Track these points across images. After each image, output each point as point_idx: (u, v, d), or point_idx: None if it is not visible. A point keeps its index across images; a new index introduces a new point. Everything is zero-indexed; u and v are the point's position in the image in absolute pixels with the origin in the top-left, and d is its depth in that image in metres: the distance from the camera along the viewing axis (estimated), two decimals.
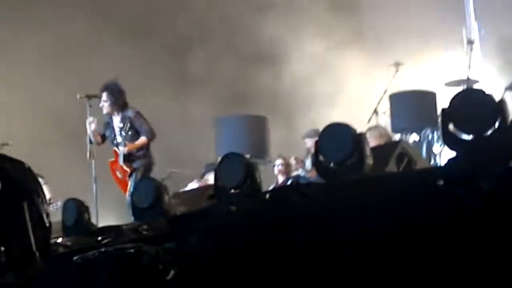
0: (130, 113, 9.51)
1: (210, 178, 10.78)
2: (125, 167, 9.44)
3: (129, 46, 13.22)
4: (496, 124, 4.53)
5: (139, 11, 13.77)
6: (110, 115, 9.62)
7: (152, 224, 6.47)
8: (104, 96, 9.55)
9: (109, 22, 13.36)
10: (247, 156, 6.92)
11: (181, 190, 10.17)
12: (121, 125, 9.48)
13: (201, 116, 12.80)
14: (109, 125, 9.65)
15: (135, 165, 9.46)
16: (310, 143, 11.14)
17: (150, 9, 13.91)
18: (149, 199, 6.55)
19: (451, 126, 4.79)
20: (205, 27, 14.25)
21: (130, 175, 9.40)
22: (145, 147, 9.50)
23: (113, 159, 9.66)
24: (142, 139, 9.43)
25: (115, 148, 9.61)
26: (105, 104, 9.57)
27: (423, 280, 4.40)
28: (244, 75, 13.89)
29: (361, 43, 14.04)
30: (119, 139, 9.53)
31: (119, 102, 9.52)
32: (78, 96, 10.02)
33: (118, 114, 9.54)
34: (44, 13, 13.06)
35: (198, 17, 14.17)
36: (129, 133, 9.45)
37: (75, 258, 6.55)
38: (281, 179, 10.84)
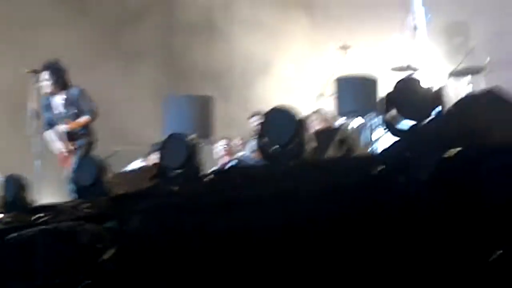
0: (75, 91, 9.41)
1: (154, 158, 10.78)
2: (69, 145, 9.36)
3: (74, 22, 13.06)
4: (436, 111, 4.59)
5: None
6: (50, 95, 9.46)
7: (93, 203, 6.44)
8: (46, 75, 9.39)
9: None
10: (193, 136, 6.90)
11: (124, 169, 10.14)
12: (64, 103, 9.36)
13: (148, 94, 12.74)
14: (47, 107, 9.47)
15: (78, 143, 9.38)
16: (255, 122, 11.17)
17: None
18: (91, 178, 6.52)
19: (393, 112, 4.84)
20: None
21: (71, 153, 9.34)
22: (88, 125, 9.42)
23: None
24: (85, 118, 9.34)
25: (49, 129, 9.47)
26: (47, 83, 9.41)
27: (360, 265, 4.45)
28: (189, 50, 13.84)
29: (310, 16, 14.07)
30: (59, 118, 9.40)
31: (61, 81, 9.39)
32: (25, 70, 9.86)
33: (61, 93, 9.42)
34: None
35: None
36: (72, 111, 9.35)
37: (11, 235, 6.50)
38: (224, 159, 10.86)
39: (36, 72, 9.77)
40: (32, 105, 9.76)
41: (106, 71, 11.46)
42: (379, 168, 4.49)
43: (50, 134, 9.50)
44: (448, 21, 13.19)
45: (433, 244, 4.12)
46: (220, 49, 14.05)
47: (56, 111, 9.42)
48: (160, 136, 10.14)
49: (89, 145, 9.40)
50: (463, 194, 3.99)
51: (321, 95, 11.80)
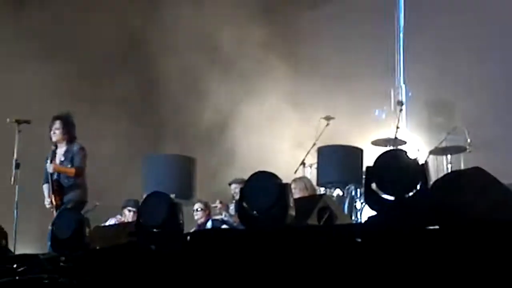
0: (76, 146, 9.56)
1: (128, 214, 10.80)
2: (54, 199, 9.40)
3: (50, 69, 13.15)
4: (417, 187, 4.65)
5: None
6: (56, 144, 9.62)
7: (70, 256, 6.42)
8: (57, 124, 9.61)
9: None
10: (172, 196, 6.92)
11: (102, 224, 10.13)
12: (63, 157, 9.50)
13: (128, 150, 12.76)
14: (52, 157, 9.62)
15: (65, 198, 9.43)
16: (235, 189, 11.21)
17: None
18: (69, 231, 6.50)
19: (373, 185, 4.90)
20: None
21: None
22: (78, 183, 9.48)
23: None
24: (69, 169, 9.41)
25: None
26: (56, 131, 9.61)
27: None
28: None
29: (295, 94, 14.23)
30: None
31: (70, 134, 9.57)
32: (7, 120, 9.97)
33: (65, 144, 9.56)
34: None
35: None
36: (67, 164, 9.46)
37: None
38: (201, 222, 10.87)
39: (19, 122, 9.90)
40: (16, 155, 9.81)
41: (85, 123, 11.40)
42: (359, 239, 4.55)
43: (45, 189, 9.58)
44: (431, 100, 13.37)
45: None
46: (202, 108, 14.17)
47: (57, 162, 9.54)
48: (140, 193, 10.19)
49: (80, 203, 9.44)
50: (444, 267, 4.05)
51: (303, 163, 11.87)
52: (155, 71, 14.14)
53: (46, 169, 9.61)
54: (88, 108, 12.58)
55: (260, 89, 14.05)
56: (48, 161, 9.56)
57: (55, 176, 9.47)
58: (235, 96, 13.93)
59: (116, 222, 10.70)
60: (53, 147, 9.68)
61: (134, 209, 10.89)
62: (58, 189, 9.40)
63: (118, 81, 13.77)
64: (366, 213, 9.75)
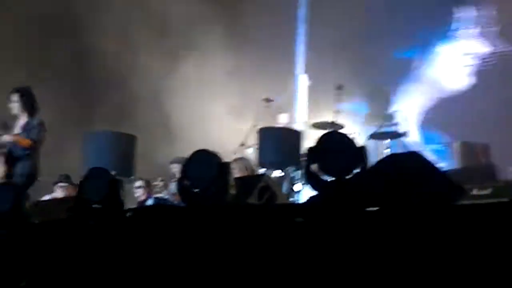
0: (36, 120, 9.48)
1: (58, 190, 10.75)
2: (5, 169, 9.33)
3: None
4: (357, 169, 4.72)
5: None
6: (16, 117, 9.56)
7: (8, 230, 6.38)
8: (16, 97, 9.55)
9: None
10: (112, 172, 6.90)
11: (41, 199, 10.06)
12: (21, 129, 9.41)
13: (70, 125, 12.66)
14: (8, 127, 9.53)
15: (17, 169, 9.35)
16: (176, 168, 11.23)
17: None
18: (8, 204, 6.45)
19: (314, 166, 4.96)
20: None
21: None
22: (32, 154, 9.42)
23: None
24: (25, 139, 9.34)
25: None
26: (15, 104, 9.54)
27: None
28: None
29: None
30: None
31: (29, 107, 9.52)
32: None
33: (25, 117, 9.48)
34: None
35: None
36: (24, 136, 9.40)
37: None
38: (143, 199, 10.87)
39: None
40: None
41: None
42: (300, 219, 4.61)
43: None
44: (372, 86, 13.56)
45: None
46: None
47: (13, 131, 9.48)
48: (75, 168, 10.14)
49: (30, 176, 9.38)
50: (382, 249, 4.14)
51: (243, 144, 11.93)
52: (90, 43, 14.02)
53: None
54: (24, 73, 12.42)
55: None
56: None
57: (9, 147, 9.39)
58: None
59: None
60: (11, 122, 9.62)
61: (65, 185, 10.84)
62: (9, 160, 9.33)
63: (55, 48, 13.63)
64: (304, 195, 9.87)
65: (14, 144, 9.38)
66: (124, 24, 14.21)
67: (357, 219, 4.39)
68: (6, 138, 9.41)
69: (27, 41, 13.58)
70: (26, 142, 9.36)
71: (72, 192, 10.51)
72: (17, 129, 9.52)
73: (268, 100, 12.36)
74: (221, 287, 4.78)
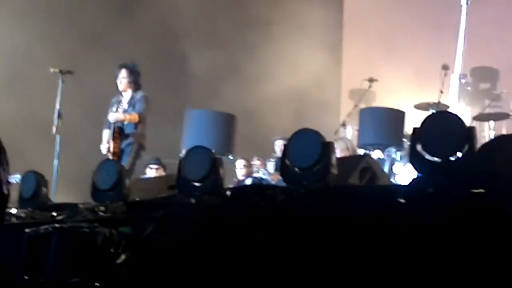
0: (139, 94, 9.65)
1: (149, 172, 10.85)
2: (114, 145, 9.51)
3: None
4: (463, 151, 4.57)
5: None
6: (121, 94, 9.70)
7: (109, 207, 6.45)
8: (124, 73, 9.76)
9: None
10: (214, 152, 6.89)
11: (141, 176, 10.16)
12: (128, 105, 9.60)
13: (168, 105, 12.74)
14: (118, 104, 9.73)
15: (124, 144, 9.54)
16: (278, 146, 11.21)
17: None
18: (110, 182, 6.52)
19: (419, 147, 4.83)
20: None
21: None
22: (137, 129, 9.58)
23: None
24: (131, 115, 9.53)
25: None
26: (123, 80, 9.77)
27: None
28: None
29: None
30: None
31: (136, 82, 9.78)
32: (51, 70, 10.07)
33: (130, 92, 9.68)
34: None
35: None
36: (130, 111, 9.59)
37: (27, 230, 6.51)
38: (241, 178, 10.87)
39: (62, 72, 10.02)
40: (57, 104, 9.90)
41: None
42: (402, 200, 4.50)
43: (105, 134, 9.70)
44: (477, 66, 13.20)
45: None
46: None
47: (120, 110, 9.66)
48: (179, 148, 10.21)
49: (138, 148, 9.56)
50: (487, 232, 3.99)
51: (344, 124, 11.81)
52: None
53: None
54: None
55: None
56: (114, 109, 9.66)
57: (119, 124, 9.58)
58: None
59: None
60: (119, 96, 9.79)
61: (156, 167, 10.94)
62: (119, 136, 9.52)
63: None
64: (405, 176, 9.70)
65: (123, 121, 9.56)
66: None
67: (462, 201, 4.25)
68: (117, 116, 9.56)
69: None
70: (133, 117, 9.55)
71: (162, 174, 10.64)
72: (123, 105, 9.69)
73: (371, 80, 12.19)
74: (322, 268, 4.72)
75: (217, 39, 14.21)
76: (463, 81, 11.92)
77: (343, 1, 15.84)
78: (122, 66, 9.79)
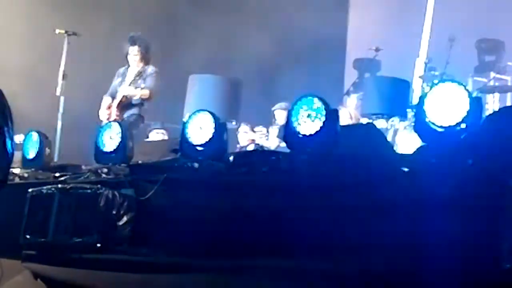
0: (150, 69, 9.64)
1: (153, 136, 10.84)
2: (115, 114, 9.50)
3: None
4: (469, 121, 4.56)
5: None
6: (128, 66, 9.72)
7: (112, 168, 6.46)
8: (135, 50, 9.73)
9: None
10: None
11: (144, 140, 10.17)
12: (136, 75, 9.55)
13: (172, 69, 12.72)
14: (123, 76, 9.69)
15: (126, 114, 9.53)
16: (279, 114, 11.19)
17: None
18: (113, 144, 6.51)
19: (424, 116, 4.81)
20: None
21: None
22: (146, 103, 9.59)
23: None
24: (143, 91, 9.49)
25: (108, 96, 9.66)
26: (135, 58, 9.75)
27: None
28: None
29: None
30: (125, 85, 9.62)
31: (147, 57, 9.74)
32: (57, 31, 10.05)
33: (141, 66, 9.63)
34: None
35: None
36: (139, 85, 9.54)
37: (30, 190, 6.53)
38: (244, 144, 10.88)
39: (67, 33, 10.00)
40: (62, 66, 9.90)
41: None
42: (406, 169, 4.50)
43: (105, 101, 9.66)
44: (482, 38, 13.13)
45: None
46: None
47: (127, 81, 9.60)
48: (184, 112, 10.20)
49: (138, 119, 9.55)
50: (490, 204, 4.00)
51: (348, 92, 11.78)
52: None
53: (115, 85, 9.67)
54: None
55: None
56: (124, 82, 9.61)
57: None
58: None
59: None
60: (124, 68, 9.74)
61: (161, 131, 10.95)
62: (125, 106, 9.50)
63: None
64: (408, 146, 9.69)
65: (133, 96, 9.52)
66: None
67: (467, 171, 4.24)
68: (129, 91, 9.51)
69: None
70: (145, 93, 9.51)
71: (165, 138, 10.65)
72: (130, 76, 9.63)
73: (377, 49, 12.12)
74: (325, 234, 4.73)
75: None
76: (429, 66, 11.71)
77: None
78: (133, 42, 9.70)
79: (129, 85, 9.54)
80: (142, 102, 9.58)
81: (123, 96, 9.49)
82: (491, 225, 3.97)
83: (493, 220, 3.96)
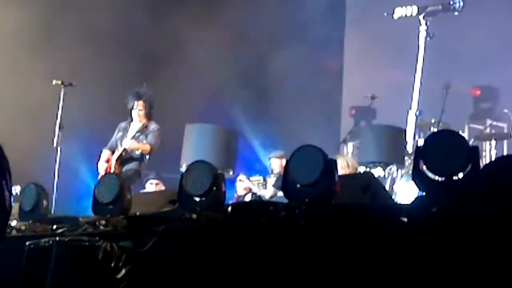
0: (153, 126, 9.74)
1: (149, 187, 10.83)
2: (114, 168, 9.52)
3: None
4: (466, 170, 4.56)
5: None
6: (131, 121, 9.85)
7: (110, 220, 6.44)
8: (140, 105, 9.81)
9: None
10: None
11: (141, 191, 10.14)
12: (139, 130, 9.60)
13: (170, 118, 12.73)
14: (124, 130, 9.75)
15: (124, 168, 9.56)
16: (275, 163, 11.18)
17: None
18: (111, 196, 6.50)
19: (422, 166, 4.82)
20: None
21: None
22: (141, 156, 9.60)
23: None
24: (144, 145, 9.56)
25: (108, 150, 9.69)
26: (140, 113, 9.82)
27: None
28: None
29: None
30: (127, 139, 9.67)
31: (151, 113, 9.86)
32: (53, 82, 10.09)
33: (144, 122, 9.72)
34: None
35: None
36: (141, 140, 9.60)
37: (27, 243, 6.50)
38: (242, 194, 10.86)
39: (64, 84, 10.05)
40: (59, 117, 9.92)
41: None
42: (405, 219, 4.49)
43: (104, 154, 9.71)
44: (478, 85, 13.18)
45: None
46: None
47: (129, 136, 9.68)
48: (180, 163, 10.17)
49: (135, 174, 9.59)
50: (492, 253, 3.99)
51: (344, 141, 11.79)
52: None
53: (116, 138, 9.71)
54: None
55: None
56: (126, 137, 9.65)
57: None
58: None
59: None
60: (126, 122, 9.79)
61: (156, 181, 10.93)
62: (125, 160, 9.55)
63: None
64: (406, 195, 9.67)
65: (135, 150, 9.57)
66: None
67: (467, 221, 4.24)
68: (132, 145, 9.56)
69: None
70: (146, 148, 9.58)
71: (162, 188, 10.63)
72: (132, 131, 9.70)
73: (373, 97, 12.15)
74: (324, 285, 4.71)
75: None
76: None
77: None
78: (139, 97, 9.79)
79: (131, 139, 9.61)
80: (142, 157, 9.63)
81: (124, 149, 9.53)
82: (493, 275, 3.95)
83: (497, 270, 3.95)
